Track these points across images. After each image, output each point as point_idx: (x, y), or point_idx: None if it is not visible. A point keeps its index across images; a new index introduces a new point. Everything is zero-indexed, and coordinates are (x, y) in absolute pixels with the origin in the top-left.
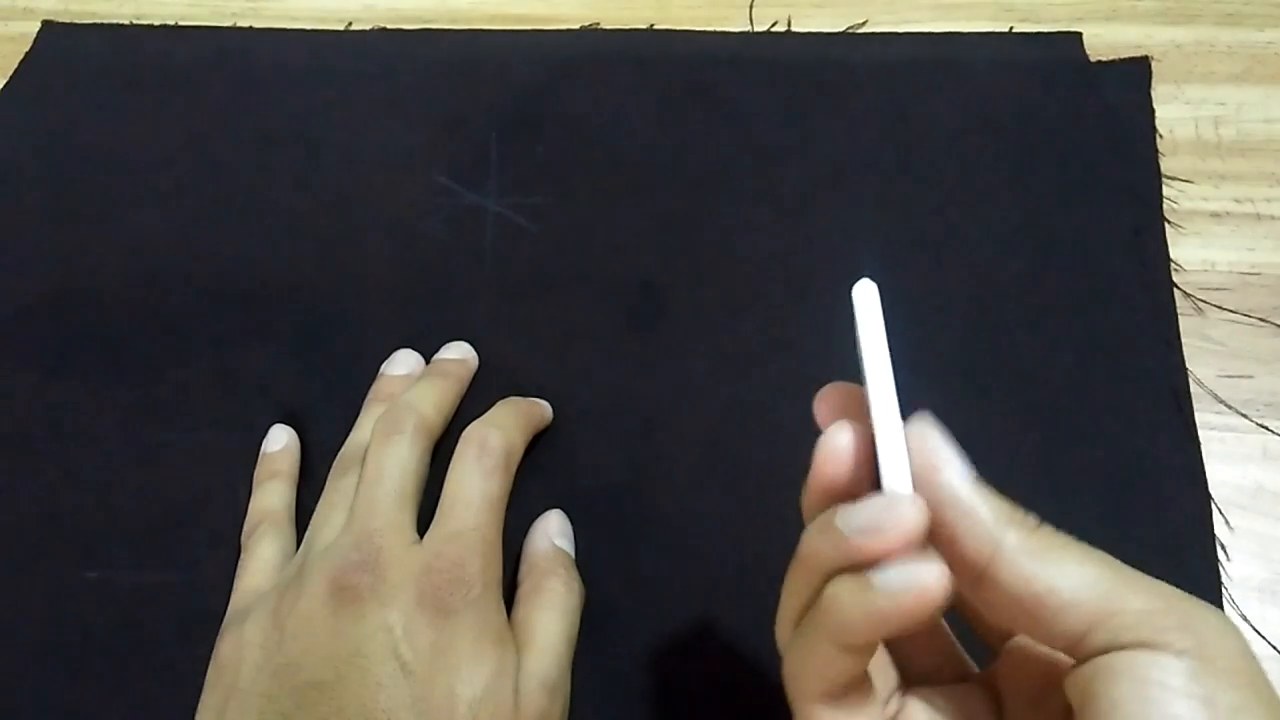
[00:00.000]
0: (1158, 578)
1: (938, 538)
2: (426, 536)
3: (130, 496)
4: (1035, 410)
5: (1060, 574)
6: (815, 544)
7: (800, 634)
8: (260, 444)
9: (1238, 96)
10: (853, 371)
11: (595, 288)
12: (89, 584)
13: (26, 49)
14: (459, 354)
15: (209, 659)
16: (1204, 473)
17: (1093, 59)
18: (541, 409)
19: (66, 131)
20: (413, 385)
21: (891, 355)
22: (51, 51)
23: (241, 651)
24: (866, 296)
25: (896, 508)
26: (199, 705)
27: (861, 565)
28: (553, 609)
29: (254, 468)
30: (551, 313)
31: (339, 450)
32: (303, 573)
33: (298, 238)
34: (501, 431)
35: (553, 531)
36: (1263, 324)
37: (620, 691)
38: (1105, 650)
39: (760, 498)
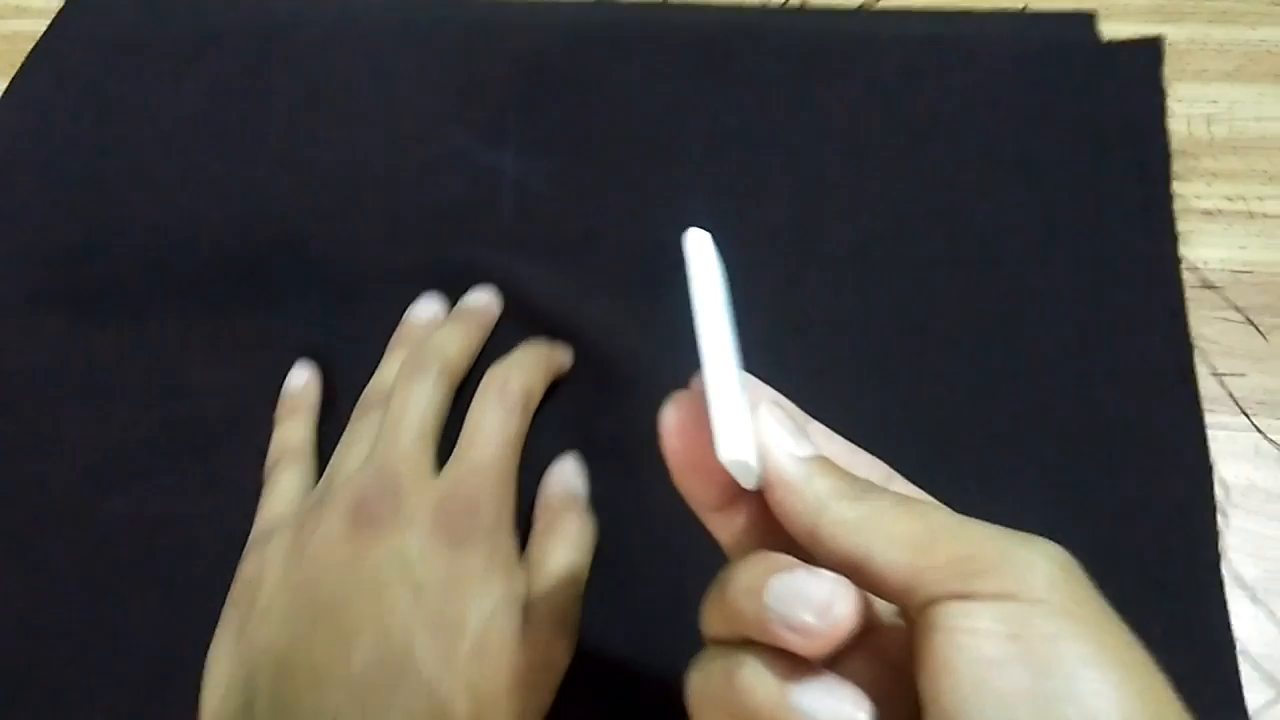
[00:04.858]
0: (1162, 545)
1: (771, 503)
2: (445, 469)
3: (157, 431)
4: (1042, 383)
5: (874, 539)
6: (741, 602)
7: (710, 672)
8: (283, 382)
9: (1230, 94)
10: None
11: (609, 250)
12: (117, 513)
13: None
14: (483, 300)
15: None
16: (1207, 442)
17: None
18: (561, 354)
19: (95, 92)
20: (438, 329)
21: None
22: (79, 13)
23: (263, 570)
24: (699, 248)
25: (832, 607)
26: (220, 620)
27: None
28: (565, 544)
29: (276, 405)
30: (567, 272)
31: (363, 392)
32: (324, 500)
33: (323, 189)
34: (522, 373)
35: (567, 474)
36: (1254, 322)
37: (633, 635)
38: (923, 607)
39: None
